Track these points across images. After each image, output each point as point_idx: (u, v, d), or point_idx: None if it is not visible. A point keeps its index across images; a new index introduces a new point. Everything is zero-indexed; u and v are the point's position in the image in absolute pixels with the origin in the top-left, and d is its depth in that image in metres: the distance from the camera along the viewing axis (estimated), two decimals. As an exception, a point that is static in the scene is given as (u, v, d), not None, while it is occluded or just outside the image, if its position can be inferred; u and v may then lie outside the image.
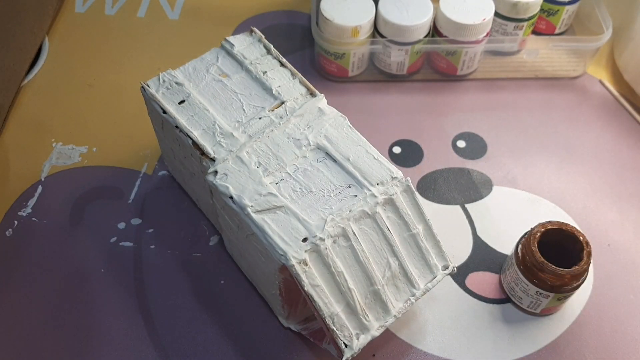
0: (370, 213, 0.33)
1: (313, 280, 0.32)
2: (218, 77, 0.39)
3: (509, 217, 0.45)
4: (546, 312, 0.40)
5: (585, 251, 0.37)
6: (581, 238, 0.38)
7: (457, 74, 0.52)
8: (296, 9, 0.58)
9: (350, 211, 0.33)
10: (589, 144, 0.49)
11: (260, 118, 0.37)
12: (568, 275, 0.37)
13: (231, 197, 0.34)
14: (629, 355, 0.39)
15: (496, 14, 0.50)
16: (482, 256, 0.43)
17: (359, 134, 0.37)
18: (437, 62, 0.52)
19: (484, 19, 0.48)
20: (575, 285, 0.37)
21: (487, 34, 0.50)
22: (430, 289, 0.35)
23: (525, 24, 0.51)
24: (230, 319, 0.40)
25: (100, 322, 0.40)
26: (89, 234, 0.43)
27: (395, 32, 0.48)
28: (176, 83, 0.38)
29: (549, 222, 0.39)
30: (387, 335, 0.39)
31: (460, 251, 0.43)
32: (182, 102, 0.38)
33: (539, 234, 0.38)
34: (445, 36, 0.49)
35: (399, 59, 0.50)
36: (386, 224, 0.34)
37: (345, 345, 0.32)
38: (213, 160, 0.35)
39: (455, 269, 0.36)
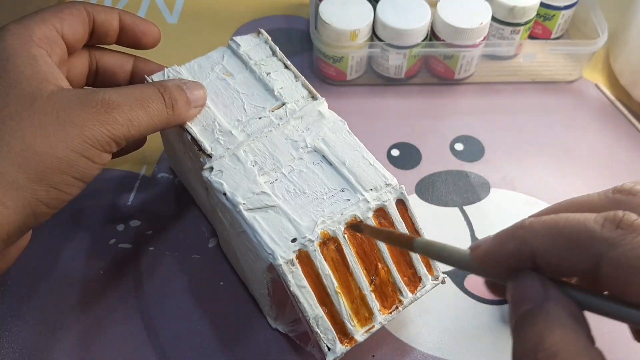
0: (361, 218, 0.33)
1: (299, 281, 0.32)
2: (222, 75, 0.39)
3: (506, 219, 0.45)
4: (544, 313, 0.40)
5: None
6: (579, 239, 0.38)
7: (454, 78, 0.53)
8: (295, 13, 0.59)
9: (341, 215, 0.33)
10: (585, 147, 0.50)
11: (260, 118, 0.37)
12: (566, 276, 0.37)
13: (224, 194, 0.34)
14: (626, 356, 0.39)
15: (493, 19, 0.51)
16: (481, 258, 0.43)
17: (356, 139, 0.37)
18: (434, 66, 0.52)
19: (481, 23, 0.49)
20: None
21: (484, 38, 0.50)
22: (418, 298, 0.35)
23: (521, 28, 0.52)
24: (230, 320, 0.40)
25: (99, 324, 0.39)
26: (87, 236, 0.43)
27: (393, 35, 0.49)
28: (181, 79, 0.38)
29: (547, 223, 0.39)
30: (387, 336, 0.39)
31: (458, 253, 0.43)
32: None
33: (537, 235, 0.38)
34: (443, 40, 0.50)
35: (397, 63, 0.51)
36: (376, 230, 0.34)
37: (329, 349, 0.32)
38: (210, 156, 0.35)
39: (445, 279, 0.36)
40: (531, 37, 0.55)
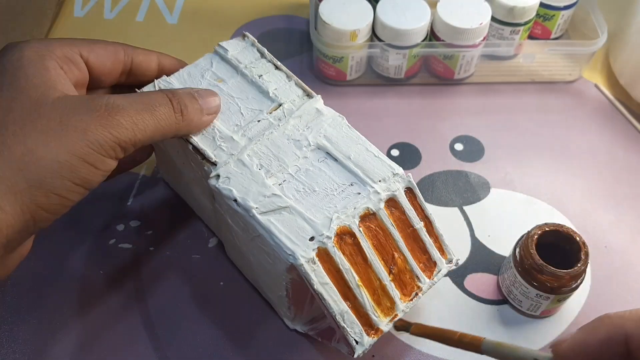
0: (374, 210, 0.34)
1: (322, 279, 0.32)
2: (214, 82, 0.39)
3: (506, 219, 0.45)
4: (546, 314, 0.40)
5: (582, 251, 0.38)
6: (578, 239, 0.38)
7: (454, 78, 0.53)
8: (294, 13, 0.59)
9: (354, 208, 0.33)
10: (585, 147, 0.50)
11: (259, 121, 0.37)
12: (567, 276, 0.37)
13: (235, 200, 0.34)
14: (626, 356, 0.39)
15: (493, 19, 0.51)
16: (481, 258, 0.43)
17: (357, 132, 0.37)
18: (434, 66, 0.53)
19: (481, 23, 0.49)
20: (574, 286, 0.38)
21: (484, 38, 0.50)
22: (436, 282, 0.35)
23: (521, 28, 0.52)
24: (230, 320, 0.40)
25: (99, 324, 0.39)
26: (87, 236, 0.43)
27: (393, 35, 0.49)
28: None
29: (546, 224, 0.39)
30: (387, 336, 0.39)
31: (458, 253, 0.43)
32: None
33: (536, 236, 0.38)
34: (443, 40, 0.50)
35: (397, 63, 0.51)
36: (390, 220, 0.34)
37: (356, 342, 0.33)
38: (215, 164, 0.35)
39: (459, 261, 0.37)
40: (531, 37, 0.55)
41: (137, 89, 0.38)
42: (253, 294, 0.41)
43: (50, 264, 0.42)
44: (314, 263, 0.32)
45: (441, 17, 0.49)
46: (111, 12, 0.58)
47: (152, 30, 0.57)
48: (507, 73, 0.54)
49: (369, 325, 0.33)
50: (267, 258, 0.34)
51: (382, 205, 0.34)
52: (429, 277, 0.35)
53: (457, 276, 0.42)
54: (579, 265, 0.37)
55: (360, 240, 0.33)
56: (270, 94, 0.38)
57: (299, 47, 0.56)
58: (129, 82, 0.38)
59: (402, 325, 0.34)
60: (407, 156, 0.49)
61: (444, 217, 0.45)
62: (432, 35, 0.51)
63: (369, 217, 0.34)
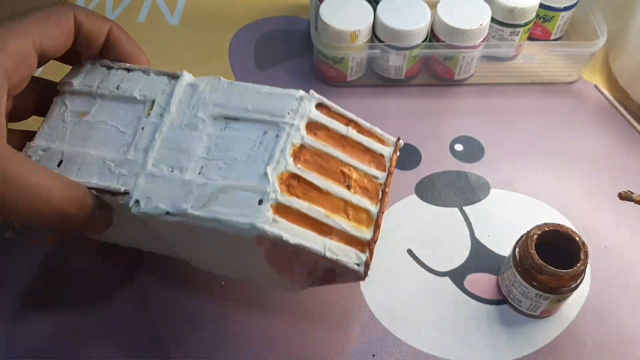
0: (300, 142, 0.33)
1: (292, 230, 0.31)
2: (77, 119, 0.36)
3: (506, 219, 0.45)
4: (545, 314, 0.40)
5: (582, 251, 0.38)
6: (577, 239, 0.38)
7: (454, 79, 0.53)
8: (295, 14, 0.59)
9: (282, 151, 0.32)
10: (584, 148, 0.50)
11: (142, 128, 0.34)
12: (567, 276, 0.37)
13: (167, 213, 0.32)
14: (626, 356, 0.39)
15: (493, 20, 0.51)
16: (480, 258, 0.43)
17: (240, 82, 0.35)
18: (434, 67, 0.53)
19: (481, 24, 0.49)
20: (573, 286, 0.38)
21: (484, 39, 0.50)
22: (392, 165, 0.35)
23: (521, 29, 0.52)
24: (231, 319, 0.40)
25: (100, 324, 0.40)
26: (87, 236, 0.43)
27: (393, 36, 0.49)
28: (42, 150, 0.35)
29: (545, 224, 0.39)
30: (387, 336, 0.40)
31: (458, 253, 0.44)
32: (60, 163, 0.34)
33: (535, 236, 0.38)
34: (443, 41, 0.50)
35: (397, 64, 0.51)
36: (319, 142, 0.33)
37: (358, 265, 0.32)
38: (127, 193, 0.32)
39: (402, 141, 0.36)
40: (531, 38, 0.55)
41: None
42: (253, 294, 0.41)
43: (51, 264, 0.42)
44: (276, 221, 0.30)
45: (441, 18, 0.49)
46: (112, 12, 0.58)
47: (154, 32, 0.57)
48: (507, 74, 0.54)
49: (358, 243, 0.33)
50: (232, 246, 0.33)
51: (305, 133, 0.33)
52: (383, 170, 0.35)
53: (457, 276, 0.42)
54: (578, 265, 0.37)
55: (305, 177, 0.32)
56: (138, 97, 0.35)
57: (300, 48, 0.56)
58: (74, 50, 0.36)
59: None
60: (407, 157, 0.49)
61: (444, 218, 0.45)
62: (432, 36, 0.51)
63: (300, 151, 0.32)
